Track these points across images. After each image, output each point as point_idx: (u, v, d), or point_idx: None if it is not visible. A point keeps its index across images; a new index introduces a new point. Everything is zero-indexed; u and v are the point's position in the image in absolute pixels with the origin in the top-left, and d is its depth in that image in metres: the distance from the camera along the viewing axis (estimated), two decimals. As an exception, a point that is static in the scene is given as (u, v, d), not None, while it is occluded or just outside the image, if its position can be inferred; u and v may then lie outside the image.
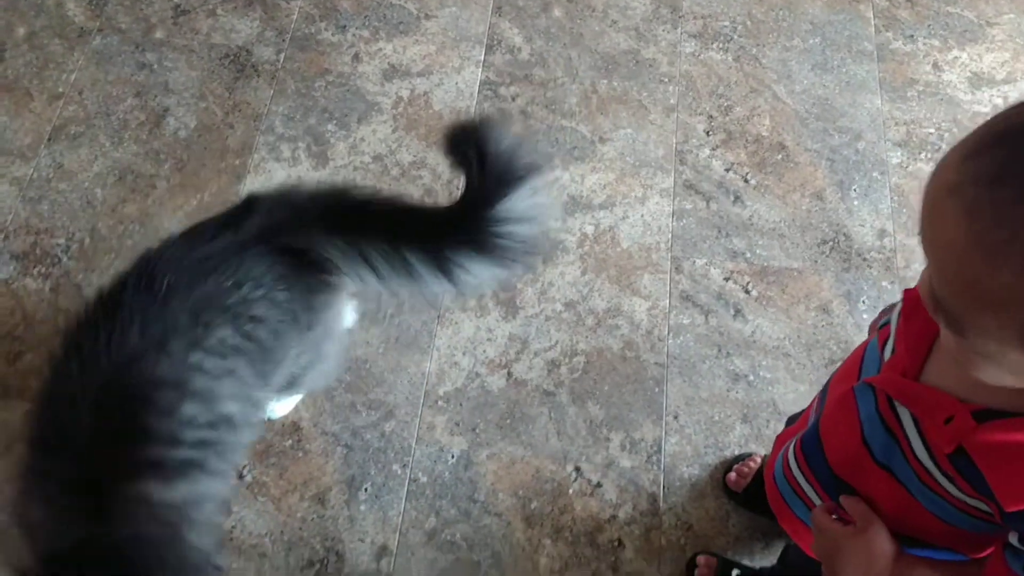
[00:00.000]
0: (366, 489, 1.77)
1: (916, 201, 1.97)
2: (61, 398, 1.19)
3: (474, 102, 2.25)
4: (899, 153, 2.23)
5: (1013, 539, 0.81)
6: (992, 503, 0.79)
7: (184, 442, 1.22)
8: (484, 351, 1.94)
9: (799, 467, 1.06)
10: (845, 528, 0.95)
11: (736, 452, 1.83)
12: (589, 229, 2.10)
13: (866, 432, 0.92)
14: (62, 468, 1.18)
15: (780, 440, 1.25)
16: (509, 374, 1.91)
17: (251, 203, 1.36)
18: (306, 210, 1.34)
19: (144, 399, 1.19)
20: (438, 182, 2.11)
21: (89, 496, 1.16)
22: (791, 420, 1.48)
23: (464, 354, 1.93)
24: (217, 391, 1.25)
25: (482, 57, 2.31)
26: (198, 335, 1.22)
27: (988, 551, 0.90)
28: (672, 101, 2.30)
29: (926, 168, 2.19)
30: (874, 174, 2.19)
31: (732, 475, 1.76)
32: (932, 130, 2.26)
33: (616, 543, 1.73)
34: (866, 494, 0.95)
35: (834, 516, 0.99)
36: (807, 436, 1.05)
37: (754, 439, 1.84)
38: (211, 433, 1.25)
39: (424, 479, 1.78)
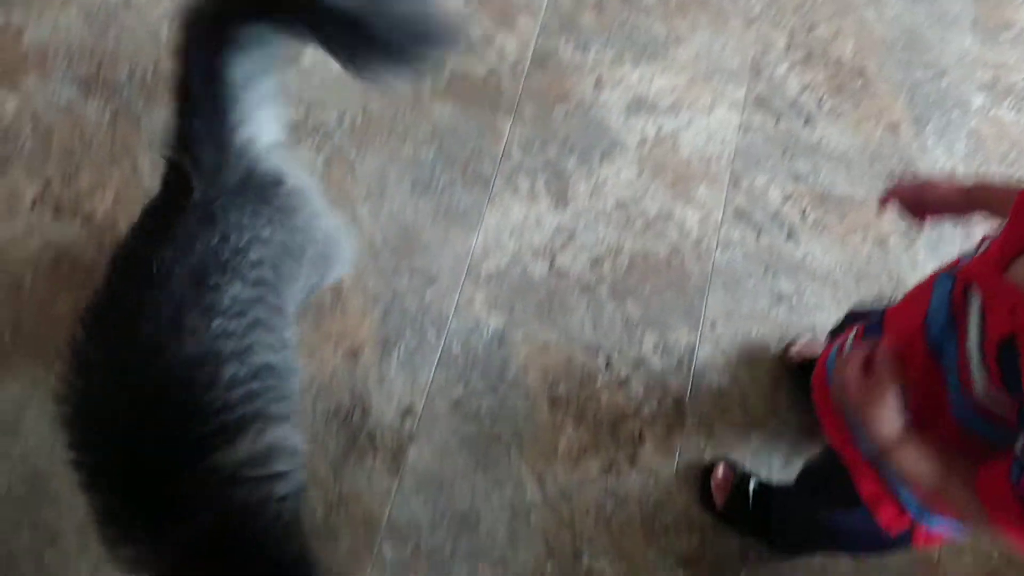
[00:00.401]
0: (399, 351, 1.79)
1: (993, 147, 1.91)
2: (99, 418, 1.14)
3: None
4: (983, 96, 2.14)
5: (1019, 446, 0.81)
6: (1018, 401, 0.80)
7: (234, 403, 1.17)
8: (531, 237, 1.93)
9: (853, 346, 1.06)
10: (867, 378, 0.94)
11: (767, 369, 1.83)
12: (651, 131, 2.06)
13: (931, 313, 0.93)
14: (120, 485, 1.13)
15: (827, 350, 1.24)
16: (552, 263, 1.90)
17: (175, 167, 1.25)
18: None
19: (183, 383, 1.13)
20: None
21: (163, 495, 1.12)
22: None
23: (511, 237, 1.92)
24: (249, 346, 1.19)
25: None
26: (211, 301, 1.16)
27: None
28: (756, 11, 2.22)
29: (1009, 116, 2.11)
30: (954, 114, 2.12)
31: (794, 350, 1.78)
32: (1021, 78, 2.17)
33: (638, 436, 1.74)
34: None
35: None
36: (871, 325, 1.06)
37: (789, 358, 1.83)
38: (256, 384, 1.20)
39: (457, 349, 1.80)
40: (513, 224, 1.93)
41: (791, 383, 1.76)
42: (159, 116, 1.97)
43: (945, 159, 2.06)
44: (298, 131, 1.97)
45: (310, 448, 1.68)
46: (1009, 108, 2.13)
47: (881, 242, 1.96)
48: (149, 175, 1.92)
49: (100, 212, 1.88)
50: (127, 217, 1.78)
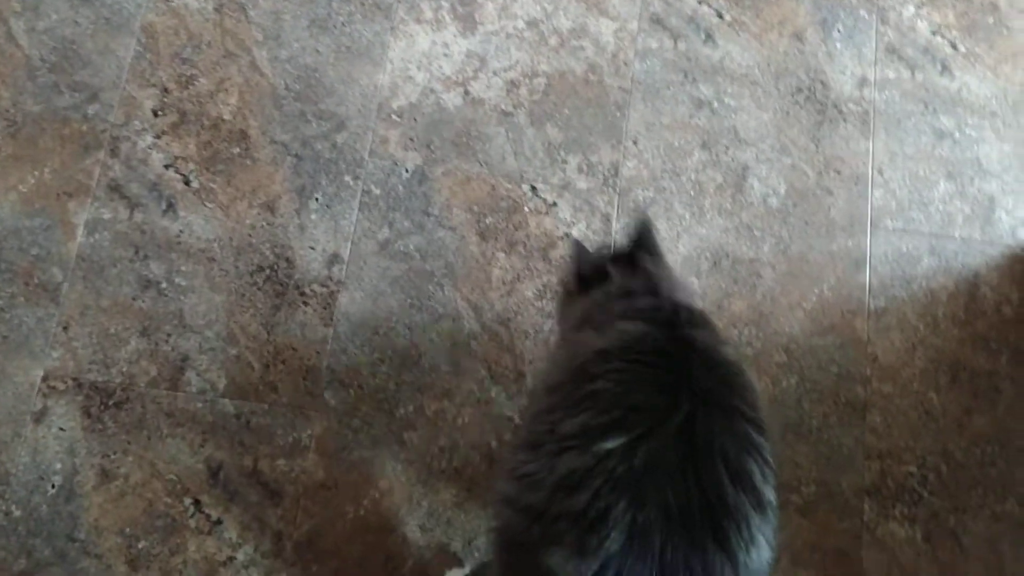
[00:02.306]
0: (317, 199, 1.73)
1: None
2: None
3: None
4: None
5: None
6: None
7: None
8: (440, 67, 1.84)
9: None
10: None
11: (692, 175, 1.81)
12: (556, -58, 1.94)
13: None
14: None
15: None
16: (466, 92, 1.83)
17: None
18: None
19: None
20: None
21: None
22: None
23: (419, 69, 1.83)
24: None
25: None
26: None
27: None
28: None
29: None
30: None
31: None
32: None
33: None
34: None
35: None
36: None
37: (712, 165, 1.82)
38: None
39: (377, 191, 1.74)
40: (420, 55, 1.84)
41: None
42: (266, 4, 1.81)
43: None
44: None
45: (239, 306, 1.65)
46: None
47: (798, 36, 1.91)
48: (270, 68, 1.77)
49: (227, 114, 1.74)
50: (258, 118, 1.70)
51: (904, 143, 1.85)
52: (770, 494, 0.93)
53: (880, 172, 1.83)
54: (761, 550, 0.90)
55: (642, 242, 1.33)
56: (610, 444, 0.88)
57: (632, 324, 1.08)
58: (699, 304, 1.29)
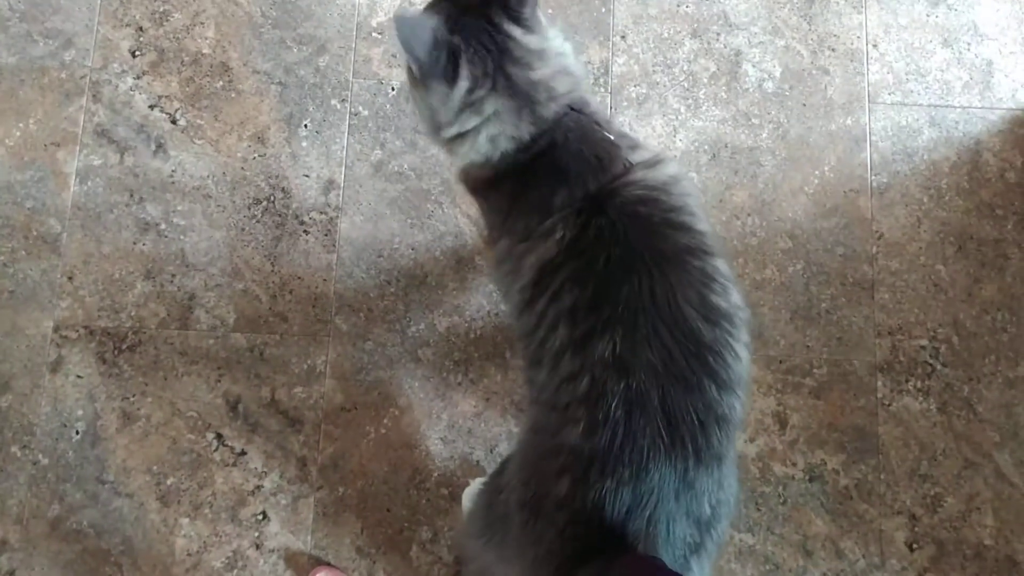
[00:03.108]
0: (306, 125, 1.70)
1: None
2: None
3: None
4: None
5: None
6: None
7: None
8: (417, -21, 1.79)
9: None
10: None
11: (684, 66, 1.77)
12: None
13: None
14: None
15: None
16: (446, 3, 1.78)
17: None
18: None
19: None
20: None
21: None
22: None
23: (396, -17, 1.79)
24: None
25: None
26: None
27: None
28: None
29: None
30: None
31: None
32: None
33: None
34: None
35: None
36: None
37: (704, 53, 1.78)
38: None
39: (365, 112, 1.72)
40: (395, -32, 1.78)
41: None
42: None
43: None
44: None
45: (240, 241, 1.64)
46: None
47: (783, -89, 1.84)
48: None
49: (206, 48, 1.71)
50: (237, 49, 1.66)
51: (898, 13, 1.80)
52: (736, 303, 1.04)
53: (875, 46, 1.78)
54: (744, 360, 1.03)
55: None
56: (597, 347, 0.98)
57: (551, 224, 1.09)
58: (582, 76, 1.17)
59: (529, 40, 1.12)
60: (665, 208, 1.08)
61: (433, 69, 1.07)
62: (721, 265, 1.06)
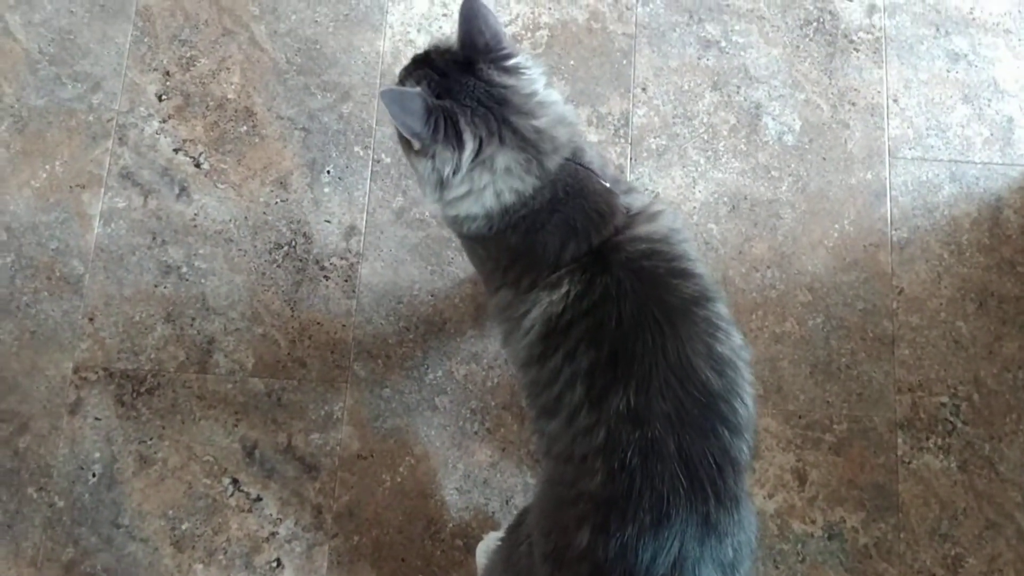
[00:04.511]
0: (328, 171, 1.72)
1: None
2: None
3: None
4: None
5: None
6: None
7: None
8: (440, 28, 1.81)
9: None
10: None
11: (704, 118, 1.78)
12: None
13: None
14: None
15: None
16: (469, 51, 1.80)
17: None
18: None
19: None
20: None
21: None
22: None
23: (419, 31, 1.81)
24: None
25: None
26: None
27: None
28: None
29: None
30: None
31: None
32: None
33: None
34: None
35: None
36: None
37: (724, 106, 1.79)
38: None
39: (388, 159, 1.73)
40: (420, 17, 1.81)
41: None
42: None
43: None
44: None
45: (260, 285, 1.65)
46: None
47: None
48: (270, 43, 1.76)
49: (231, 93, 1.74)
50: (262, 95, 1.69)
51: (918, 69, 1.81)
52: (737, 345, 1.07)
53: (895, 100, 1.79)
54: (750, 406, 1.05)
55: (473, 35, 1.09)
56: (612, 402, 1.00)
57: (557, 279, 1.10)
58: (577, 123, 1.17)
59: (522, 85, 1.12)
60: (668, 258, 1.10)
61: (434, 137, 1.07)
62: (721, 309, 1.09)
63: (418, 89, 1.08)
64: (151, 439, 1.57)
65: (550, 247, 1.12)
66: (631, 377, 1.01)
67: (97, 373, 1.60)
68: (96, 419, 1.58)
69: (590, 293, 1.07)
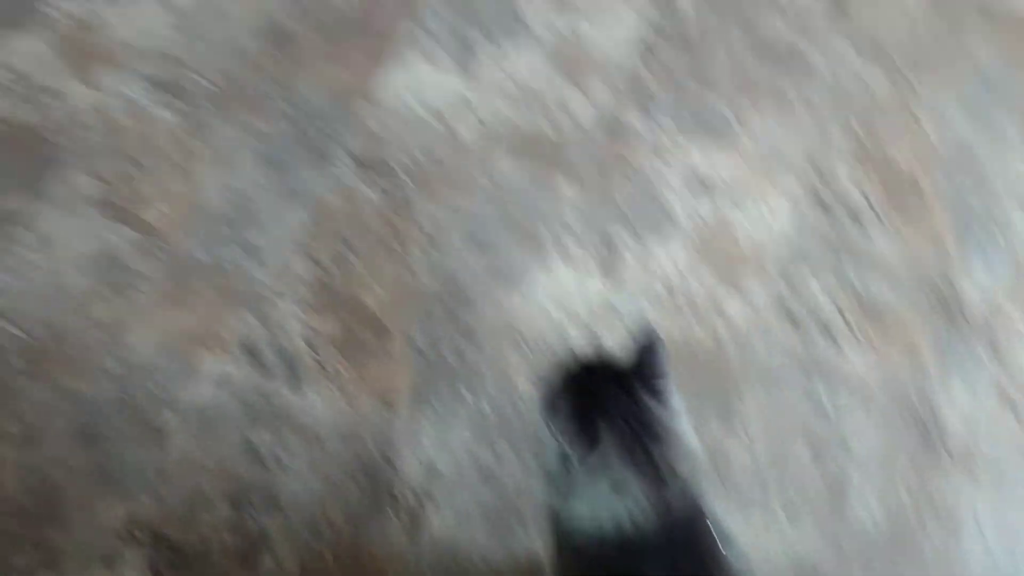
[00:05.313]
0: (432, 405, 1.75)
1: None
2: None
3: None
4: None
5: None
6: None
7: None
8: (575, 306, 1.91)
9: None
10: None
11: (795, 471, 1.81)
12: (706, 212, 2.05)
13: None
14: None
15: None
16: (592, 335, 1.88)
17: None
18: None
19: None
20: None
21: None
22: None
23: (557, 306, 1.90)
24: None
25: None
26: None
27: None
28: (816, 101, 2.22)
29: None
30: (998, 237, 2.14)
31: None
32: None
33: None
34: None
35: None
36: None
37: (815, 467, 1.83)
38: None
39: (489, 412, 1.77)
40: (561, 291, 1.90)
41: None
42: (228, 131, 1.91)
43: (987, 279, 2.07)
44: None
45: (331, 495, 1.64)
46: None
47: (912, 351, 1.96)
48: (425, 271, 1.87)
49: (373, 303, 1.82)
50: (400, 315, 1.77)
51: (1012, 506, 1.86)
52: None
53: (977, 521, 1.82)
54: None
55: (643, 365, 1.19)
56: None
57: None
58: (699, 457, 1.20)
59: (663, 415, 1.16)
60: None
61: (575, 438, 1.11)
62: None
63: (572, 392, 1.16)
64: (171, 621, 1.51)
65: None
66: None
67: (144, 532, 1.57)
68: (126, 580, 1.53)
69: None
